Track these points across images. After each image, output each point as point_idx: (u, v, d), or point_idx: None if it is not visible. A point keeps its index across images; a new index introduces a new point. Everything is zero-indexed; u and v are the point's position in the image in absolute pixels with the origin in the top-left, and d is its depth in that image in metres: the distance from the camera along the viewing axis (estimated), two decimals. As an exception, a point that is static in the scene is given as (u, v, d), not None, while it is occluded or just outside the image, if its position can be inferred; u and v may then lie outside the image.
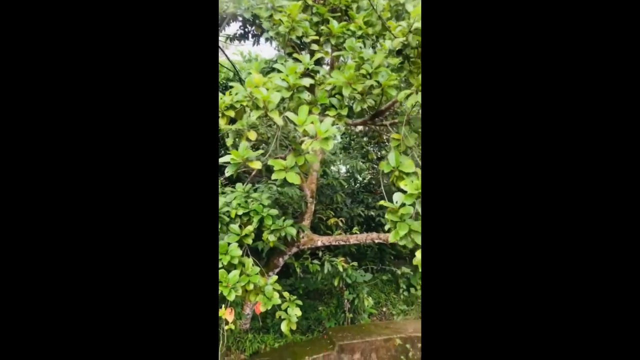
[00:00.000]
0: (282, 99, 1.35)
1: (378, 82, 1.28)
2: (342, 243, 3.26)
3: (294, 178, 1.22)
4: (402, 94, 1.22)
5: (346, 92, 1.25)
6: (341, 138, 5.10)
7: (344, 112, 1.27)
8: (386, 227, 1.19)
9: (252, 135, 1.14)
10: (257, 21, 3.26)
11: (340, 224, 3.37)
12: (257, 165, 1.20)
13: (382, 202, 1.22)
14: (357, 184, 4.47)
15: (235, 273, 1.46)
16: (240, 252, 1.58)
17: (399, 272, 3.75)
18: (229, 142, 1.37)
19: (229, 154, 1.23)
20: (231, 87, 1.32)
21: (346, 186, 3.99)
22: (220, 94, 1.24)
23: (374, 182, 4.34)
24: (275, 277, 1.71)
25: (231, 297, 1.46)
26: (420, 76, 1.18)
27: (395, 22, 1.38)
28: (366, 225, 4.06)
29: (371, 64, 1.27)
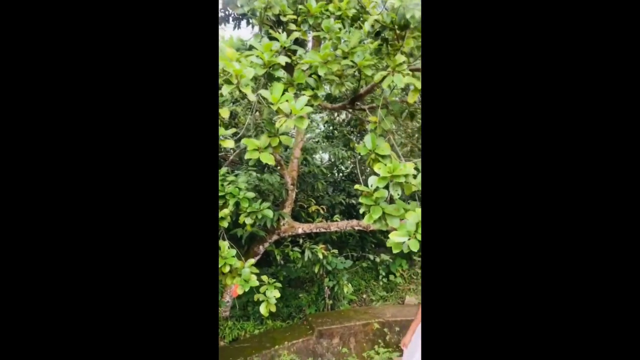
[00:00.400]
0: (258, 79, 1.31)
1: (354, 62, 1.27)
2: (322, 230, 3.28)
3: (267, 158, 1.21)
4: (378, 75, 1.21)
5: (322, 72, 1.23)
6: (324, 127, 5.09)
7: (321, 91, 1.26)
8: (361, 211, 1.19)
9: (225, 113, 1.11)
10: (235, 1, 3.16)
11: (322, 211, 3.38)
12: (229, 144, 1.17)
13: (357, 186, 1.22)
14: (339, 173, 4.48)
15: (210, 256, 1.44)
16: (215, 236, 1.56)
17: (378, 259, 3.81)
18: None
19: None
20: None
21: (328, 174, 4.00)
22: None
23: (356, 170, 4.36)
24: (253, 261, 1.69)
25: (206, 281, 1.44)
26: (396, 57, 1.17)
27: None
28: (347, 213, 4.09)
29: (347, 44, 1.26)
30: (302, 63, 1.29)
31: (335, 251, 3.28)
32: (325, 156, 4.58)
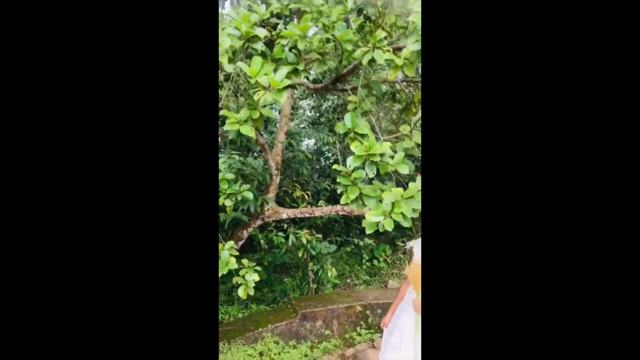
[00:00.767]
0: (236, 53, 1.27)
1: (334, 36, 1.24)
2: (307, 215, 3.28)
3: (247, 131, 1.18)
4: (358, 51, 1.19)
5: (301, 46, 1.20)
6: (310, 112, 5.04)
7: (301, 66, 1.23)
8: (339, 191, 1.19)
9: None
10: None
11: (306, 197, 3.37)
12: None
13: (335, 166, 1.21)
14: (325, 160, 4.47)
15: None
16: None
17: (362, 243, 3.86)
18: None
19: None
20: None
21: (313, 160, 3.98)
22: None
23: (337, 156, 4.36)
24: (232, 243, 1.68)
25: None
26: (377, 32, 1.15)
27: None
28: (333, 199, 4.10)
29: (328, 18, 1.22)
30: (282, 36, 1.25)
31: (320, 236, 3.29)
32: (311, 142, 4.55)
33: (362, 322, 3.00)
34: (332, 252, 3.50)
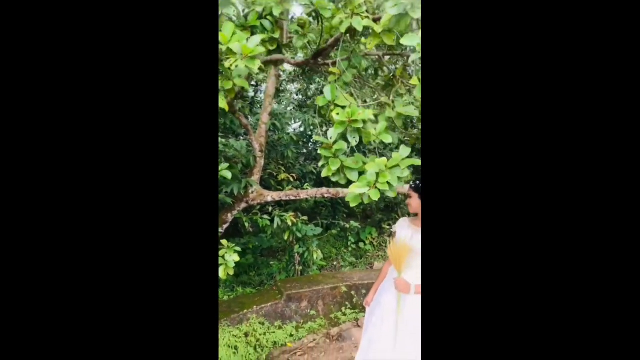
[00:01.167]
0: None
1: (311, 2, 1.17)
2: (292, 198, 3.25)
3: (220, 102, 1.12)
4: (336, 19, 1.14)
5: (277, 12, 1.14)
6: (297, 95, 4.94)
7: (277, 34, 1.17)
8: (320, 164, 1.16)
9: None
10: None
11: (292, 180, 3.33)
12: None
13: (315, 137, 1.17)
14: (311, 143, 4.42)
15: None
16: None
17: (347, 225, 3.88)
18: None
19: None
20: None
21: (299, 142, 3.93)
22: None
23: (317, 130, 4.31)
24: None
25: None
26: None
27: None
28: (319, 183, 4.08)
29: (306, -17, 1.16)
30: (256, 3, 1.18)
31: (305, 218, 3.28)
32: (298, 125, 4.48)
33: (347, 303, 3.04)
34: (317, 235, 3.50)
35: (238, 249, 1.73)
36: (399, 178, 0.97)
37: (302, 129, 4.24)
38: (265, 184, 3.43)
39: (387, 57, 1.53)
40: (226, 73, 1.09)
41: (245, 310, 2.74)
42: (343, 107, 1.18)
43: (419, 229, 1.73)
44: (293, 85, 4.94)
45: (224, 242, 1.76)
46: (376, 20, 1.29)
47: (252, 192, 3.12)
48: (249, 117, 3.80)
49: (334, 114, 1.07)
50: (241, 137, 3.56)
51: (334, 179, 1.14)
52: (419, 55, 0.91)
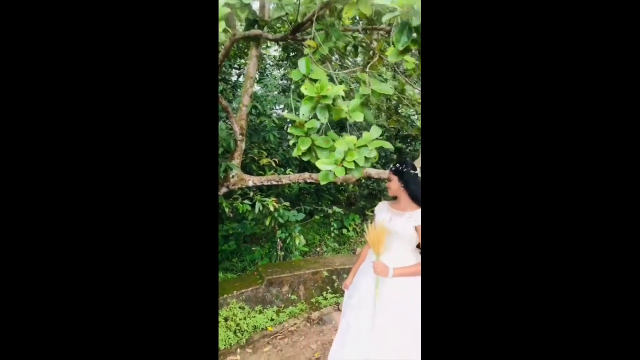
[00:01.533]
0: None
1: (286, -31, 1.11)
2: (274, 183, 3.20)
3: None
4: (313, -11, 1.08)
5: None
6: (281, 80, 4.82)
7: (248, 0, 1.09)
8: (291, 143, 1.11)
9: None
10: None
11: (274, 164, 3.28)
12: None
13: (287, 115, 1.13)
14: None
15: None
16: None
17: (330, 211, 3.87)
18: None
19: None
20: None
21: (283, 127, 3.85)
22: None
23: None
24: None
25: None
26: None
27: None
28: (302, 168, 4.03)
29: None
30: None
31: (288, 204, 3.24)
32: (281, 110, 4.39)
33: (328, 287, 3.05)
34: (300, 221, 3.48)
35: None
36: (366, 158, 0.94)
37: (285, 113, 4.16)
38: (246, 169, 3.35)
39: (371, 34, 1.48)
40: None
41: (226, 296, 2.72)
42: (316, 81, 1.13)
43: (399, 212, 1.73)
44: (279, 71, 4.82)
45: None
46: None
47: (233, 177, 3.05)
48: (232, 101, 3.69)
49: (303, 89, 1.02)
50: (222, 121, 3.46)
51: (305, 159, 1.10)
52: (419, 22, 0.85)
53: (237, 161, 3.13)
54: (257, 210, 3.09)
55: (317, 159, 1.06)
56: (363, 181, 4.71)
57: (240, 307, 2.72)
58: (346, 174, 0.96)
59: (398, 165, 1.73)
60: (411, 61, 1.03)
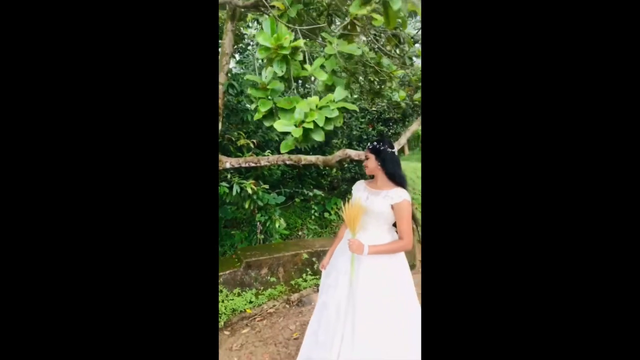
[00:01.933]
0: None
1: None
2: (252, 165, 3.12)
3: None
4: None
5: None
6: (263, 61, 4.66)
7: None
8: (252, 107, 1.04)
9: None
10: None
11: (252, 145, 3.18)
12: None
13: (248, 76, 1.05)
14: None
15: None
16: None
17: (311, 194, 3.83)
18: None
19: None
20: None
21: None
22: None
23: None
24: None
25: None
26: None
27: None
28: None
29: None
30: None
31: (266, 186, 3.17)
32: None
33: (307, 269, 3.04)
34: (280, 204, 3.43)
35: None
36: (327, 119, 0.88)
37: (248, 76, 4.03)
38: (224, 150, 3.25)
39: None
40: None
41: (202, 279, 2.66)
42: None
43: (375, 191, 1.70)
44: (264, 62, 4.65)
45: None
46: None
47: (209, 158, 2.96)
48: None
49: (258, 39, 0.94)
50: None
51: (266, 123, 1.03)
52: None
53: (213, 142, 3.02)
54: (234, 193, 3.01)
55: (278, 120, 1.00)
56: (345, 165, 4.67)
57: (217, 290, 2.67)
58: (307, 136, 0.90)
59: (375, 143, 1.69)
60: (379, 18, 0.97)
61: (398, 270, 1.68)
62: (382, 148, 1.67)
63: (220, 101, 3.07)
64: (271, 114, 0.99)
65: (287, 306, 2.77)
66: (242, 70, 4.18)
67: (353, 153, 2.90)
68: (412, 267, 3.47)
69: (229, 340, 2.35)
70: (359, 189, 1.82)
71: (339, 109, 0.91)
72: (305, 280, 2.97)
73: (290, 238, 3.88)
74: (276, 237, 3.45)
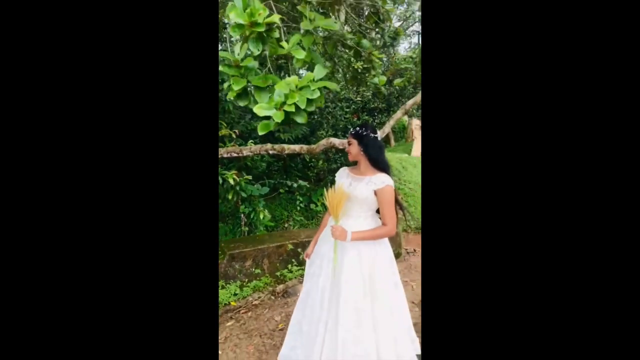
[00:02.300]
0: None
1: None
2: (234, 155, 3.04)
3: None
4: None
5: None
6: (234, 38, 4.54)
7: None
8: (224, 85, 0.98)
9: None
10: None
11: (234, 136, 3.10)
12: None
13: (222, 54, 0.99)
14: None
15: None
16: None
17: (295, 185, 3.78)
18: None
19: None
20: None
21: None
22: None
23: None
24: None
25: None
26: None
27: None
28: (266, 139, 3.87)
29: None
30: None
31: (249, 177, 3.10)
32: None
33: (293, 260, 3.01)
34: (264, 195, 3.37)
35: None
36: (308, 100, 0.84)
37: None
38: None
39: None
40: None
41: (184, 272, 2.59)
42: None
43: (358, 177, 1.67)
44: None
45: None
46: None
47: (189, 149, 2.86)
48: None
49: (228, 12, 0.88)
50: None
51: (241, 103, 0.98)
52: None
53: (193, 132, 2.93)
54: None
55: (255, 103, 0.95)
56: (331, 156, 4.64)
57: (200, 284, 2.61)
58: (289, 119, 0.85)
59: (358, 128, 1.66)
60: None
61: (382, 258, 1.66)
62: (364, 133, 1.65)
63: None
64: (245, 93, 0.93)
65: (273, 298, 2.74)
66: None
67: (337, 142, 2.87)
68: (398, 255, 3.49)
69: (213, 334, 2.30)
70: (342, 175, 1.79)
71: (319, 88, 0.86)
72: (291, 272, 2.94)
73: (276, 230, 3.83)
74: (261, 229, 3.40)
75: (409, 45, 11.11)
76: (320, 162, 4.53)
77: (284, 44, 0.91)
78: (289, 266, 2.97)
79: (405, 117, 10.03)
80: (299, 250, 3.02)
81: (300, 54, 0.91)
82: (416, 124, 8.70)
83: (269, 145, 3.07)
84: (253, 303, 2.66)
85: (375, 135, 1.67)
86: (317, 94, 0.85)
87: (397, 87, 3.81)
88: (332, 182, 4.76)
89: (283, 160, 4.44)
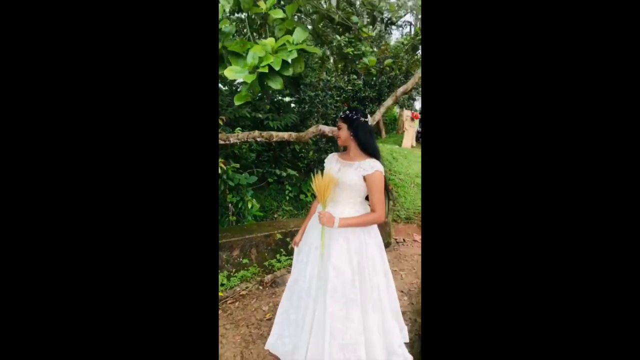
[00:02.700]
0: None
1: None
2: (221, 142, 2.96)
3: None
4: None
5: None
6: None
7: None
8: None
9: None
10: None
11: (221, 123, 3.00)
12: None
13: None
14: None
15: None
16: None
17: (284, 174, 3.72)
18: None
19: None
20: None
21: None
22: None
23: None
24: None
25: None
26: None
27: None
28: (254, 127, 3.79)
29: None
30: None
31: (237, 165, 3.02)
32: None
33: (281, 249, 2.96)
34: (252, 184, 3.29)
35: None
36: (284, 62, 0.77)
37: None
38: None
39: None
40: None
41: (169, 262, 2.52)
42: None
43: (347, 162, 1.62)
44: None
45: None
46: None
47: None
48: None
49: None
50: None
51: (228, 75, 0.90)
52: None
53: (177, 118, 2.82)
54: (202, 172, 2.85)
55: (229, 65, 0.87)
56: (321, 146, 4.57)
57: (185, 274, 2.54)
58: (265, 84, 0.79)
59: (347, 112, 1.61)
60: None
61: (371, 246, 1.62)
62: (354, 117, 1.59)
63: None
64: (221, 60, 0.85)
65: (260, 288, 2.69)
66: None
67: (327, 129, 2.81)
68: (388, 245, 3.48)
69: (199, 324, 2.25)
70: (332, 160, 1.74)
71: (298, 51, 0.80)
72: (279, 261, 2.89)
73: (265, 220, 3.77)
74: (249, 219, 3.34)
75: (400, 35, 11.04)
76: (311, 152, 4.46)
77: (261, 3, 0.83)
78: (278, 256, 2.92)
79: (397, 109, 9.99)
80: (288, 239, 2.97)
81: (278, 14, 0.84)
82: (407, 115, 8.68)
83: (256, 133, 2.99)
84: (240, 293, 2.61)
85: (366, 120, 1.62)
86: (294, 56, 0.78)
87: (388, 76, 3.75)
88: (322, 171, 4.71)
89: (272, 150, 4.36)
